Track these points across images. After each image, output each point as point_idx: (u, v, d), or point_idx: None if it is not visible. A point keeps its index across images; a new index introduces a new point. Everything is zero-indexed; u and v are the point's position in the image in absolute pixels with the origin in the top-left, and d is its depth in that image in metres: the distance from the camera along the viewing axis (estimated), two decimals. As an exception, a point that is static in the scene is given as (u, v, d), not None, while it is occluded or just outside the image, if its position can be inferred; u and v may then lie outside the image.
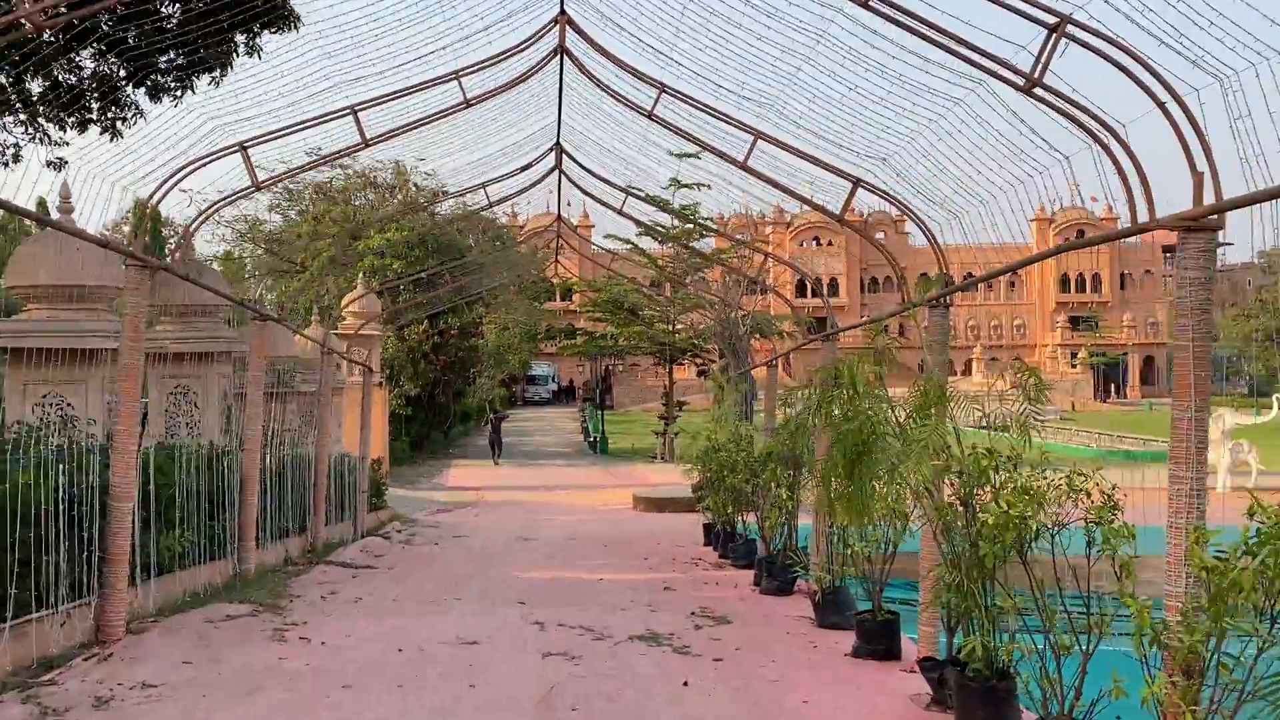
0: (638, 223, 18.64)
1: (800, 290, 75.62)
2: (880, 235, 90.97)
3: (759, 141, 8.18)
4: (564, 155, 11.99)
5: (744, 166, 8.43)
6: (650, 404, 62.53)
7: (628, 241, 34.82)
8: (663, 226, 37.60)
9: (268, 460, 12.55)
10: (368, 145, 8.79)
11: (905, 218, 9.61)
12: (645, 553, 15.30)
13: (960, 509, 6.11)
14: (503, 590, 11.15)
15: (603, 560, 14.61)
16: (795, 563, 10.80)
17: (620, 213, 12.87)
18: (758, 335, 33.09)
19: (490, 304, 41.62)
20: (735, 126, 8.24)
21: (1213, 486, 24.04)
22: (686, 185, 27.46)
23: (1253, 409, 37.15)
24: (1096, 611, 5.14)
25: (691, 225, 29.81)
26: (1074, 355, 76.97)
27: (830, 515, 6.22)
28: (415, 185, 37.34)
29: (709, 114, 8.27)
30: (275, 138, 8.35)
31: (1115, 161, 5.01)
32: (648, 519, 21.14)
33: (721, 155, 8.65)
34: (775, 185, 8.51)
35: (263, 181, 8.78)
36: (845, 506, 6.32)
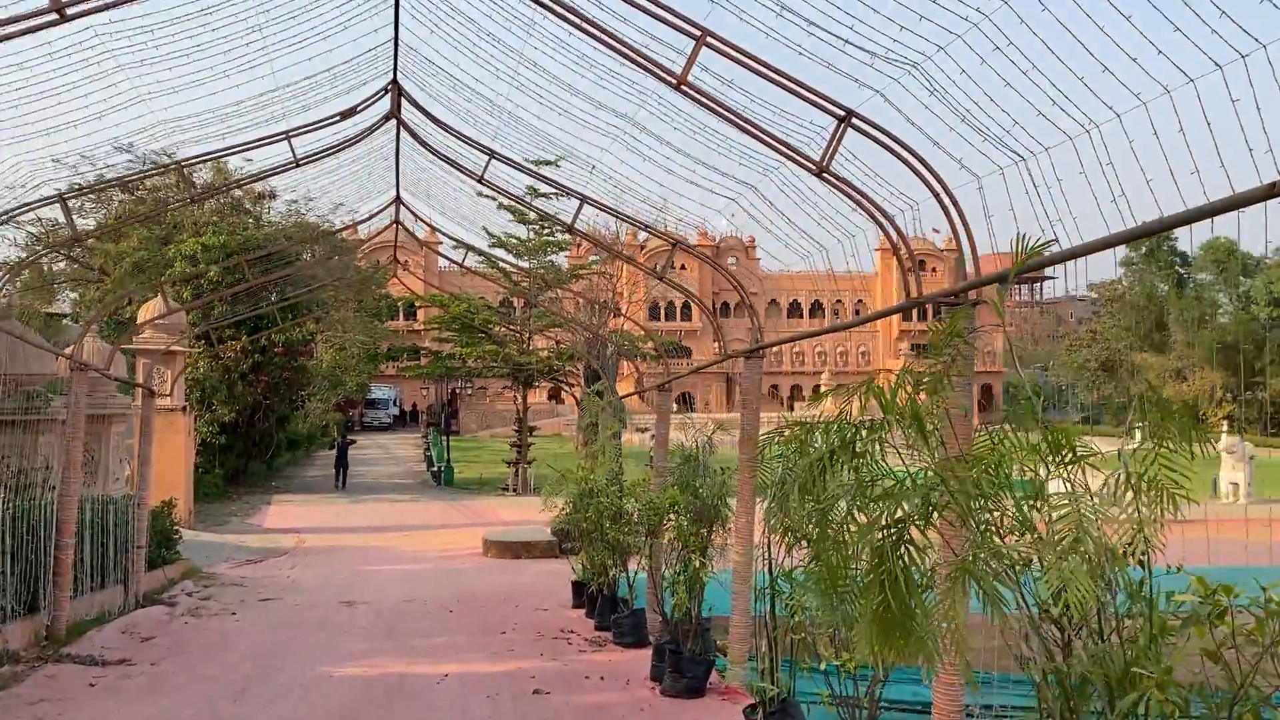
0: (508, 222, 15.41)
1: (653, 314, 73.63)
2: (731, 260, 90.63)
3: (704, 48, 5.41)
4: (403, 97, 8.83)
5: (682, 83, 5.61)
6: (500, 430, 59.26)
7: (480, 253, 31.56)
8: (517, 238, 34.52)
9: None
10: (65, 18, 5.49)
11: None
12: (502, 621, 12.26)
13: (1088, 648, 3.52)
14: (306, 709, 7.88)
15: (448, 636, 11.49)
16: (713, 655, 8.07)
17: (481, 180, 9.78)
18: (622, 357, 30.40)
19: (323, 319, 37.52)
20: (671, 23, 5.39)
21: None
22: (546, 193, 24.48)
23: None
24: None
25: (558, 229, 26.96)
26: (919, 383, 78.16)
27: (862, 650, 3.57)
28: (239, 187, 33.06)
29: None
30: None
31: None
32: (501, 569, 18.02)
33: (649, 66, 5.74)
34: (728, 115, 5.66)
35: None
36: (879, 631, 3.63)
